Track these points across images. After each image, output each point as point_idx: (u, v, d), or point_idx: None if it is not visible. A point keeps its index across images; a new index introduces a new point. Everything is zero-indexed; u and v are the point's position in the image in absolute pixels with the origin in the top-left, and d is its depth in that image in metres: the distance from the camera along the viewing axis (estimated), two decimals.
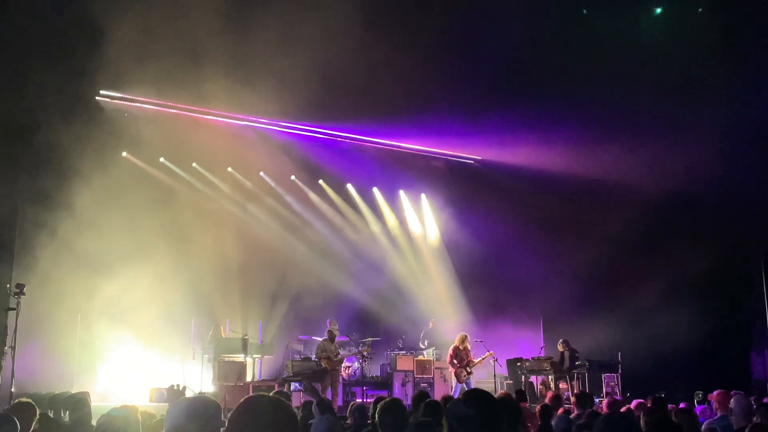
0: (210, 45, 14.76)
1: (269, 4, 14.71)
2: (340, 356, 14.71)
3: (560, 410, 8.41)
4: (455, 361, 14.76)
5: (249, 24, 14.69)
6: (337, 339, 15.51)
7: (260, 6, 14.65)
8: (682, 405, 8.28)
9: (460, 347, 14.85)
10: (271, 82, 15.31)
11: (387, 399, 5.88)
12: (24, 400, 6.50)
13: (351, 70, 15.51)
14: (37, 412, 6.20)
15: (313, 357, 14.66)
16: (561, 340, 16.25)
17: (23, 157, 14.44)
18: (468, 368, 14.72)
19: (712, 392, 7.78)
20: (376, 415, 5.54)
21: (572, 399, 9.17)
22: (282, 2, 14.84)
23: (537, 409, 8.03)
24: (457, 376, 14.72)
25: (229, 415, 2.62)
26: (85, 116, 15.10)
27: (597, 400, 13.77)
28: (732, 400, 5.97)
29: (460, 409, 3.23)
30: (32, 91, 14.02)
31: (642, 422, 4.71)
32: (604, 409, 8.58)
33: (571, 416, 7.89)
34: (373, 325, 18.18)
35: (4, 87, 13.12)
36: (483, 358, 15.15)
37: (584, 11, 16.53)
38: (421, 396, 7.32)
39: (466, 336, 15.09)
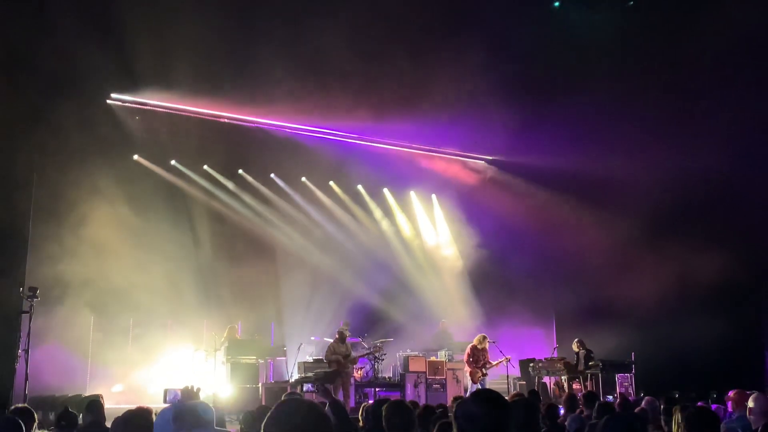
0: (220, 47, 14.83)
1: (276, 3, 14.73)
2: (352, 356, 14.70)
3: (577, 411, 8.35)
4: (471, 360, 14.72)
5: (257, 25, 14.73)
6: (349, 340, 15.49)
7: (267, 6, 14.67)
8: (699, 404, 8.20)
9: (479, 347, 14.82)
10: (281, 83, 15.34)
11: (392, 401, 5.92)
12: (21, 405, 6.51)
13: (361, 71, 15.53)
14: (36, 418, 6.20)
15: (324, 358, 14.65)
16: (576, 340, 16.15)
17: (36, 161, 14.50)
18: (484, 369, 14.69)
19: (727, 392, 7.70)
20: (383, 418, 5.60)
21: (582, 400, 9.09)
22: (287, 2, 14.88)
23: (543, 410, 7.94)
24: (472, 376, 14.69)
25: (265, 419, 2.63)
26: (96, 119, 15.17)
27: (610, 398, 13.75)
28: (751, 399, 5.92)
29: (468, 407, 3.24)
30: (45, 95, 14.10)
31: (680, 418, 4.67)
32: (617, 409, 8.49)
33: (583, 416, 7.84)
34: (385, 325, 18.13)
35: (16, 91, 13.15)
36: (500, 362, 15.09)
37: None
38: (426, 412, 7.24)
39: (485, 337, 15.06)
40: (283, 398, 6.45)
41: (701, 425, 4.54)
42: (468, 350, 14.96)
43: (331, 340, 15.18)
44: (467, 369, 14.91)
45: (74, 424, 7.08)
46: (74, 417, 7.14)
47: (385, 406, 5.71)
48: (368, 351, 15.75)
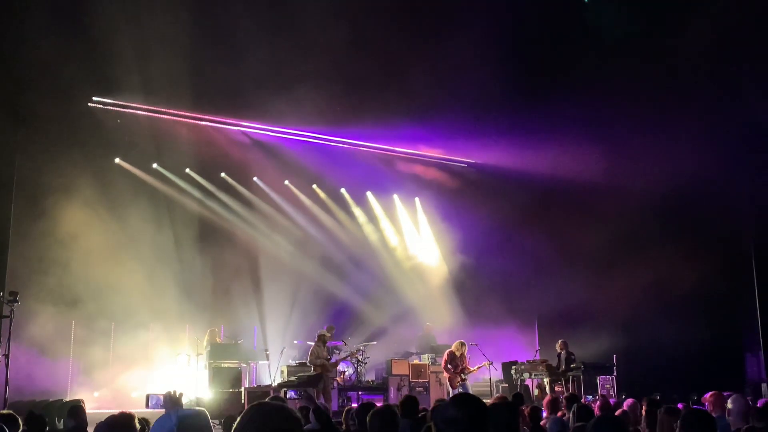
0: (202, 50, 14.79)
1: (254, 6, 14.70)
2: (332, 361, 14.67)
3: (560, 413, 8.40)
4: (449, 367, 14.65)
5: (239, 29, 14.71)
6: (331, 344, 15.46)
7: (249, 9, 14.64)
8: (679, 406, 8.28)
9: (457, 353, 14.70)
10: (264, 87, 15.31)
11: (379, 407, 5.94)
12: (5, 411, 6.45)
13: (345, 74, 15.55)
14: (21, 424, 6.15)
15: (308, 362, 14.60)
16: (560, 341, 16.12)
17: (16, 165, 14.38)
18: (462, 375, 14.60)
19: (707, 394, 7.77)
20: (367, 422, 5.63)
21: (563, 402, 9.14)
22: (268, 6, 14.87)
23: (526, 412, 7.98)
24: (450, 381, 14.60)
25: (235, 424, 2.63)
26: (77, 122, 15.07)
27: (589, 398, 13.83)
28: (729, 400, 6.00)
29: (447, 411, 3.31)
30: (26, 97, 13.98)
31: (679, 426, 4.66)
32: (596, 412, 8.54)
33: (564, 418, 7.89)
34: (368, 329, 18.15)
35: None
36: (479, 367, 15.03)
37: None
38: (409, 401, 7.28)
39: (463, 343, 14.91)
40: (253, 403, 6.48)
41: (699, 428, 4.55)
42: (445, 356, 14.75)
43: (313, 344, 15.14)
44: (445, 375, 14.81)
45: (42, 429, 6.95)
46: (41, 420, 7.02)
47: (370, 412, 5.73)
48: (348, 354, 15.70)
